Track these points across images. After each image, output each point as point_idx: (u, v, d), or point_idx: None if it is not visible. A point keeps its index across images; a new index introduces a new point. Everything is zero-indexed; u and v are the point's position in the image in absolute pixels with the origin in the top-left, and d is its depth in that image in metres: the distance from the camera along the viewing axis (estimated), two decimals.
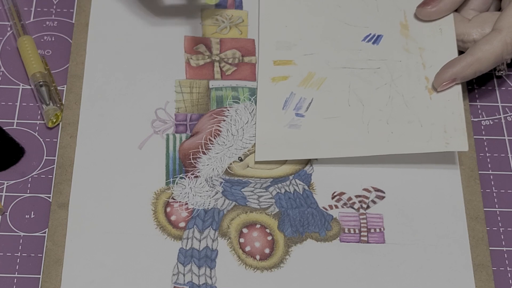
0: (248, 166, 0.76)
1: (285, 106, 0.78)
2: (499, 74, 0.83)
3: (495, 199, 0.76)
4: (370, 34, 0.82)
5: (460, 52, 0.79)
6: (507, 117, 0.81)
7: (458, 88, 0.78)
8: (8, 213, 0.73)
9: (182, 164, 0.76)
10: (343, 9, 0.83)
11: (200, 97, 0.79)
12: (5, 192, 0.74)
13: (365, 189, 0.75)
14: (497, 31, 0.76)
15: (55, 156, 0.76)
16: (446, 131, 0.75)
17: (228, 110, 0.79)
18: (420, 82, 0.78)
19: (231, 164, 0.76)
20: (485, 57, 0.76)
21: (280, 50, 0.81)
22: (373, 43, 0.81)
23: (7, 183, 0.75)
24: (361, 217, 0.74)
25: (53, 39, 0.83)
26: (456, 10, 0.81)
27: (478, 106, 0.82)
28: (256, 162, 0.76)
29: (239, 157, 0.76)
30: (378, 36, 0.81)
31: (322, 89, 0.79)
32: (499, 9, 0.82)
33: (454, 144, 0.75)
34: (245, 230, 0.73)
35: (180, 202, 0.74)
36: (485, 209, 0.76)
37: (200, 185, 0.75)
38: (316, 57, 0.80)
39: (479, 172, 0.78)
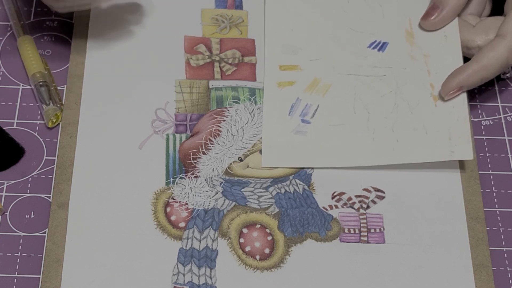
0: (248, 166, 0.76)
1: (291, 112, 0.78)
2: (504, 76, 0.83)
3: (495, 199, 0.76)
4: (376, 41, 0.81)
5: (465, 59, 0.79)
6: (507, 117, 0.81)
7: (463, 95, 0.77)
8: (8, 213, 0.73)
9: (182, 164, 0.76)
10: (348, 14, 0.83)
11: (200, 97, 0.79)
12: (5, 192, 0.74)
13: (365, 189, 0.75)
14: (501, 37, 0.76)
15: (55, 156, 0.76)
16: (451, 139, 0.75)
17: (228, 110, 0.79)
18: (425, 89, 0.78)
19: (231, 164, 0.76)
20: (491, 64, 0.76)
21: (286, 54, 0.81)
22: (379, 50, 0.81)
23: (7, 183, 0.75)
24: (361, 217, 0.74)
25: (53, 39, 0.83)
26: None
27: (478, 106, 0.82)
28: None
29: (239, 157, 0.76)
30: (384, 43, 0.81)
31: (328, 96, 0.78)
32: (493, 11, 0.82)
33: (459, 153, 0.75)
34: (245, 230, 0.73)
35: (180, 202, 0.74)
36: (485, 209, 0.76)
37: (200, 185, 0.75)
38: (322, 62, 0.80)
39: (479, 172, 0.78)
